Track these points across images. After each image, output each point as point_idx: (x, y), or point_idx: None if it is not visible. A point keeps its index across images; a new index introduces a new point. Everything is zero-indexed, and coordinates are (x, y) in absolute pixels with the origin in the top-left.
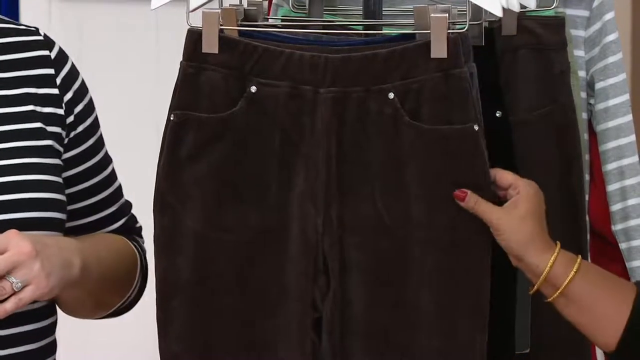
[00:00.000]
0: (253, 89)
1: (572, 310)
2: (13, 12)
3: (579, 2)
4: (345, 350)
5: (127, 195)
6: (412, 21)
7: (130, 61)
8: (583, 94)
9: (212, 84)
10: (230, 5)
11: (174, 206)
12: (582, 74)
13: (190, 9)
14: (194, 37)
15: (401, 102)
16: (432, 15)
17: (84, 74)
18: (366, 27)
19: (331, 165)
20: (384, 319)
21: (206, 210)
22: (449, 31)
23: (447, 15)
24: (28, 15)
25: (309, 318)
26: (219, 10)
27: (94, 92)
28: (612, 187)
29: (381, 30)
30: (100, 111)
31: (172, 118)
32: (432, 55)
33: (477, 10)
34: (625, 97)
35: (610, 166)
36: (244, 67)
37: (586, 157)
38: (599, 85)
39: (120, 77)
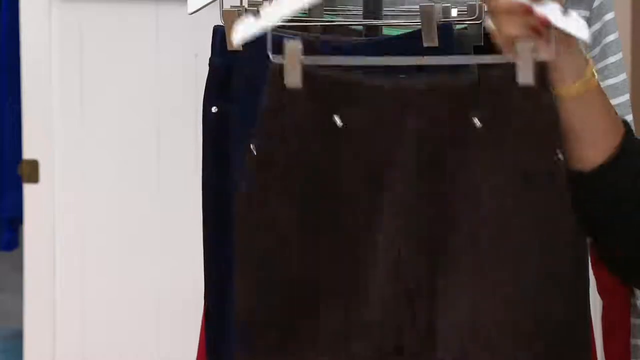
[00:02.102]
0: (339, 122)
1: (581, 114)
2: (13, 12)
3: (579, 2)
4: None
5: (126, 194)
6: (412, 21)
7: (130, 61)
8: None
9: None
10: (231, 6)
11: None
12: None
13: (190, 11)
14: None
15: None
16: (518, 43)
17: (85, 74)
18: (366, 27)
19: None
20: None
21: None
22: (440, 21)
23: (532, 43)
24: (28, 15)
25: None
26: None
27: (94, 92)
28: None
29: (381, 30)
30: (100, 111)
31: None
32: (520, 82)
33: (478, 10)
34: (626, 97)
35: None
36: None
37: None
38: None
39: (120, 77)
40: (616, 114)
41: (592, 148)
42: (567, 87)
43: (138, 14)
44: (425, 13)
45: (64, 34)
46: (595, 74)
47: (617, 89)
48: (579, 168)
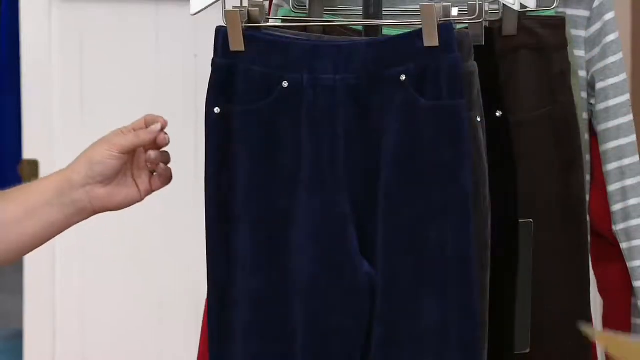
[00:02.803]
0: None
1: None
2: (13, 12)
3: (579, 2)
4: None
5: None
6: (412, 21)
7: (130, 62)
8: (583, 94)
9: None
10: (233, 7)
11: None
12: (582, 74)
13: (193, 12)
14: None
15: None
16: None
17: (85, 74)
18: (366, 28)
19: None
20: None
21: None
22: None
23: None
24: (28, 16)
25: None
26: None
27: (94, 93)
28: (612, 187)
29: (381, 31)
30: (100, 111)
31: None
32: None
33: (478, 9)
34: (626, 97)
35: (610, 166)
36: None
37: (587, 157)
38: (599, 85)
39: (120, 78)
40: None
41: None
42: None
43: (139, 14)
44: (426, 12)
45: (64, 35)
46: None
47: (617, 89)
48: None
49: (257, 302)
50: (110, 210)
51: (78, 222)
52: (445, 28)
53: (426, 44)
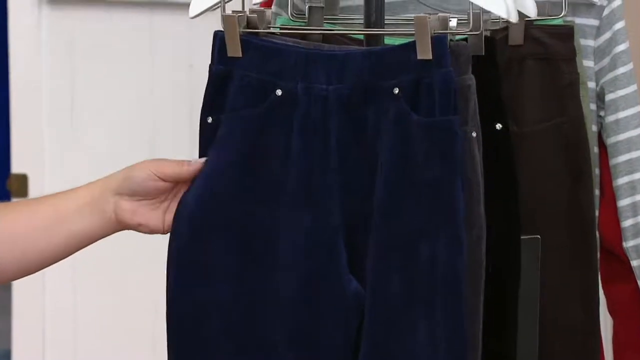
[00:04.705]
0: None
1: None
2: (1, 19)
3: (589, 10)
4: None
5: None
6: (413, 30)
7: (123, 68)
8: (593, 106)
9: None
10: (232, 11)
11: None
12: (591, 85)
13: (191, 15)
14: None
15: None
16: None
17: (76, 82)
18: (367, 37)
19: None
20: None
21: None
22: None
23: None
24: (17, 23)
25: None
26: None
27: (85, 105)
28: (623, 203)
29: (383, 40)
30: (91, 123)
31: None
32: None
33: (478, 20)
34: (637, 109)
35: (621, 180)
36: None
37: (596, 171)
38: (609, 96)
39: (113, 85)
40: None
41: None
42: None
43: (131, 20)
44: (419, 24)
45: (55, 42)
46: None
47: (627, 100)
48: None
49: (230, 314)
50: (129, 228)
51: (102, 232)
52: (439, 41)
53: (419, 56)
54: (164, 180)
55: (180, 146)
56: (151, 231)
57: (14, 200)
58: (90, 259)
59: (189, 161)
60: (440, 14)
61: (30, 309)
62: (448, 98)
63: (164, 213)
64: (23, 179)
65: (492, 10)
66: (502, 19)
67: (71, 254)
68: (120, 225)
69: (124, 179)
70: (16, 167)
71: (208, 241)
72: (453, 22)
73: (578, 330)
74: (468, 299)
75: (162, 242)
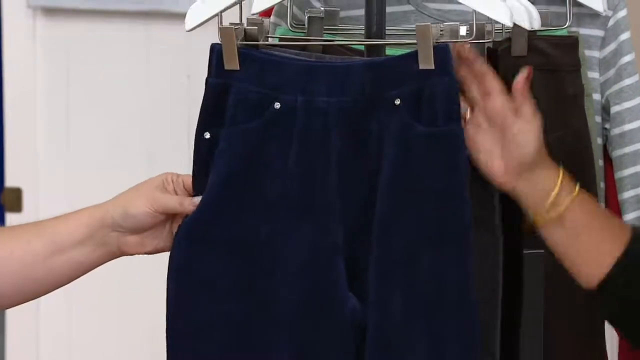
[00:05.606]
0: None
1: (562, 238)
2: None
3: (593, 21)
4: None
5: None
6: (414, 41)
7: (119, 80)
8: (598, 118)
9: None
10: (230, 23)
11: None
12: (596, 96)
13: (188, 28)
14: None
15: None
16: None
17: (72, 92)
18: (368, 48)
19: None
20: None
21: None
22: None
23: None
24: (12, 34)
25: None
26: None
27: (82, 113)
28: (629, 217)
29: (384, 50)
30: (87, 136)
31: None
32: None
33: (481, 30)
34: None
35: (627, 194)
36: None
37: (601, 184)
38: (614, 109)
39: (109, 97)
40: (615, 220)
41: (585, 266)
42: (538, 216)
43: (127, 35)
44: (421, 33)
45: (50, 52)
46: (572, 192)
47: (633, 113)
48: (582, 285)
49: (229, 330)
50: (140, 254)
51: (104, 262)
52: (442, 50)
53: (421, 66)
54: (162, 214)
55: (177, 158)
56: (161, 252)
57: (7, 215)
58: (85, 277)
59: (191, 198)
60: (446, 24)
61: (25, 326)
62: (451, 107)
63: (171, 233)
64: (17, 192)
65: (498, 19)
66: (506, 29)
67: (72, 281)
68: (127, 254)
69: (122, 217)
70: (10, 181)
71: (208, 257)
72: (462, 31)
73: (583, 349)
74: (481, 314)
75: (159, 260)
